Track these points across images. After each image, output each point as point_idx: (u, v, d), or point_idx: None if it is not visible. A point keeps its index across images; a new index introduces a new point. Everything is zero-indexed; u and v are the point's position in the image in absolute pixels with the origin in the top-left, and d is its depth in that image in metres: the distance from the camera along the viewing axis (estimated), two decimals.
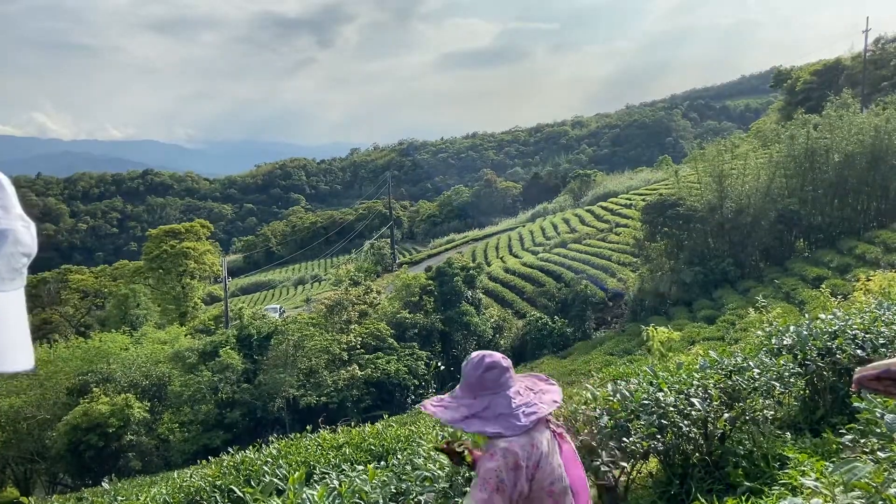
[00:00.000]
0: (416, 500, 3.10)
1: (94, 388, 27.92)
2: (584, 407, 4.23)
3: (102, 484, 9.65)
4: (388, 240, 72.10)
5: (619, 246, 40.64)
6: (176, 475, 10.65)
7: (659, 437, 4.05)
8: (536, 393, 2.62)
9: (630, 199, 51.34)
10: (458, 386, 2.64)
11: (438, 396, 2.72)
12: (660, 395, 4.30)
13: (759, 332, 8.23)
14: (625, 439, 3.93)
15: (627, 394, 4.37)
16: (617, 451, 3.91)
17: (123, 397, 27.08)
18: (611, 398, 4.32)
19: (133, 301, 49.88)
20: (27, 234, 0.91)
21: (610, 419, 4.04)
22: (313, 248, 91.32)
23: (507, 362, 2.63)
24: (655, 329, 15.75)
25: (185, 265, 52.82)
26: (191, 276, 53.63)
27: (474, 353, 2.67)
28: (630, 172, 73.32)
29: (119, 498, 7.81)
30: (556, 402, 2.60)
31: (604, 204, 55.34)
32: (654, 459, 4.52)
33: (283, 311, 48.60)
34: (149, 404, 28.16)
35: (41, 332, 48.05)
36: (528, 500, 2.37)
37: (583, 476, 2.55)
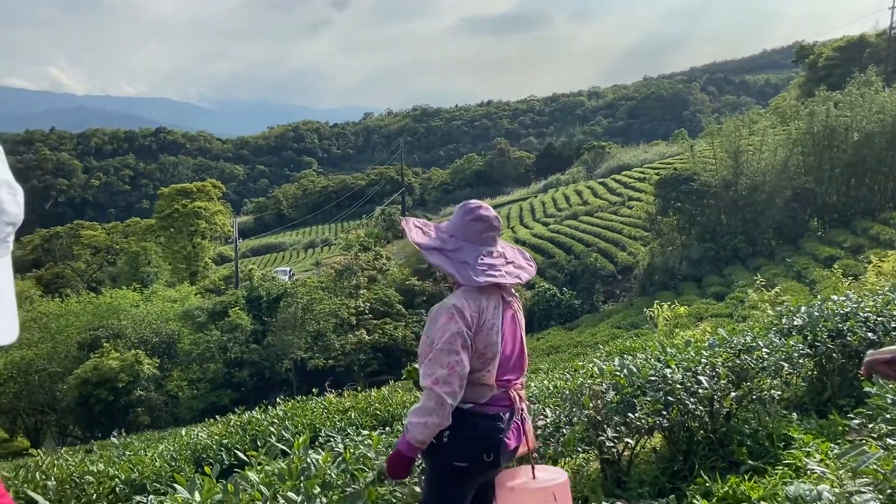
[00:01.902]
0: (420, 467, 3.10)
1: (105, 344, 28.29)
2: (590, 381, 4.22)
3: (111, 437, 9.80)
4: (400, 206, 72.04)
5: (630, 220, 40.38)
6: (184, 432, 10.81)
7: (664, 413, 4.04)
8: (509, 263, 2.70)
9: (644, 173, 50.84)
10: (447, 221, 2.76)
11: (424, 220, 2.84)
12: (667, 371, 4.28)
13: (770, 311, 8.18)
14: (630, 415, 3.92)
15: (634, 369, 4.35)
16: (622, 427, 3.91)
17: (133, 353, 27.43)
18: (617, 373, 4.31)
19: (144, 259, 50.27)
20: (13, 202, 0.88)
21: (616, 394, 4.03)
22: (324, 212, 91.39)
23: (497, 223, 2.73)
24: (660, 306, 15.69)
25: (196, 225, 53.07)
26: (202, 235, 53.92)
27: (474, 201, 2.78)
28: (645, 145, 72.52)
29: (127, 452, 7.93)
30: (520, 278, 2.70)
31: (617, 177, 54.86)
32: (658, 435, 4.52)
33: (293, 274, 48.84)
34: (158, 361, 28.52)
35: (53, 286, 48.61)
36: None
37: (514, 348, 2.65)
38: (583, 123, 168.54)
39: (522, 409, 2.66)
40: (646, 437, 4.29)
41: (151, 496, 4.29)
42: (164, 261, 52.34)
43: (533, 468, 2.59)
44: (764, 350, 4.79)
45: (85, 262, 56.23)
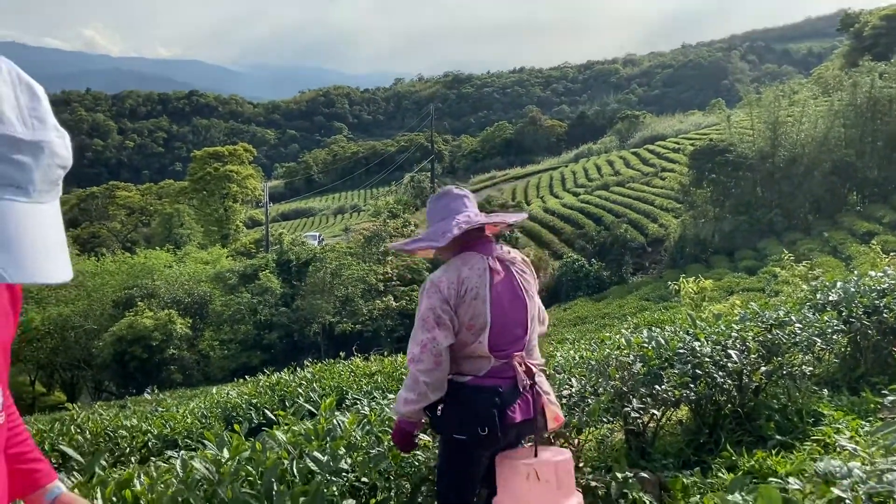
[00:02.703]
0: (429, 425, 3.12)
1: (139, 303, 28.92)
2: (616, 352, 4.19)
3: (145, 394, 10.08)
4: (429, 173, 71.85)
5: (663, 191, 39.77)
6: (214, 391, 11.06)
7: (692, 386, 4.01)
8: (488, 216, 2.69)
9: (678, 143, 49.94)
10: None
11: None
12: (696, 344, 4.24)
13: (804, 287, 8.03)
14: (657, 387, 3.89)
15: (663, 341, 4.31)
16: (648, 398, 3.89)
17: (166, 313, 28.02)
18: (645, 345, 4.27)
19: (177, 220, 51.09)
20: (62, 145, 0.90)
21: (643, 366, 4.00)
22: (354, 178, 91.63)
23: (460, 191, 2.76)
24: (686, 280, 15.50)
25: (228, 188, 53.62)
26: (233, 199, 54.49)
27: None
28: (681, 115, 71.04)
29: (160, 408, 8.15)
30: (500, 222, 2.71)
31: (651, 147, 53.93)
32: (684, 408, 4.49)
33: (322, 239, 49.23)
34: (190, 321, 29.10)
35: (89, 245, 49.70)
36: (457, 331, 2.49)
37: (513, 313, 2.56)
38: (617, 92, 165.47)
39: (535, 382, 2.54)
40: (672, 409, 4.26)
41: (182, 451, 4.40)
42: (196, 223, 53.14)
43: (536, 446, 2.50)
44: (797, 325, 4.71)
45: (120, 223, 57.35)
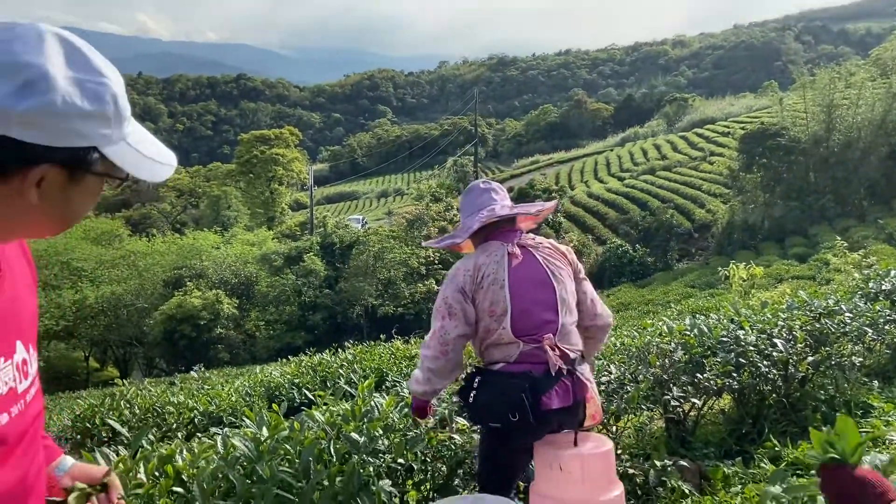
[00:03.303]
0: (465, 414, 3.13)
1: (188, 283, 29.63)
2: (658, 339, 4.13)
3: (192, 372, 10.37)
4: (472, 157, 71.61)
5: (711, 176, 38.87)
6: (258, 370, 11.30)
7: (735, 375, 3.93)
8: (511, 209, 2.69)
9: (728, 127, 48.64)
10: None
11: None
12: (740, 333, 4.15)
13: (856, 275, 7.77)
14: (698, 375, 3.83)
15: (706, 329, 4.23)
16: (689, 387, 3.83)
17: (214, 293, 28.65)
18: (687, 332, 4.20)
19: (225, 202, 52.11)
20: (119, 85, 1.05)
21: (685, 354, 3.93)
22: (397, 161, 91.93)
23: (486, 185, 2.76)
24: (736, 266, 15.15)
25: (274, 171, 54.39)
26: (279, 182, 55.27)
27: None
28: (731, 98, 69.09)
29: (206, 386, 8.37)
30: (522, 213, 2.70)
31: (699, 130, 52.73)
32: (727, 397, 4.41)
33: (366, 222, 49.63)
34: (237, 301, 29.71)
35: (141, 226, 51.10)
36: (478, 319, 2.51)
37: (539, 295, 2.53)
38: (665, 74, 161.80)
39: (574, 369, 2.49)
40: (714, 398, 4.19)
41: (226, 428, 4.52)
42: (243, 205, 54.12)
43: (575, 435, 2.44)
44: (847, 314, 4.57)
45: (170, 204, 58.72)
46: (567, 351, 2.50)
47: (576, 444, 2.41)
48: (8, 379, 1.10)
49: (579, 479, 2.30)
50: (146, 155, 1.09)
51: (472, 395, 2.49)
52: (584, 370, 2.56)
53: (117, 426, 3.30)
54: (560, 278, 2.59)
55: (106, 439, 5.17)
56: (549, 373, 2.42)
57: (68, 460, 1.45)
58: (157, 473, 2.26)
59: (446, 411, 3.21)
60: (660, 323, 4.78)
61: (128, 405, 5.62)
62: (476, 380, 2.51)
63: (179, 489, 2.22)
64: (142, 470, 2.22)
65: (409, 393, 2.71)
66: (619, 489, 2.37)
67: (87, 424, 5.45)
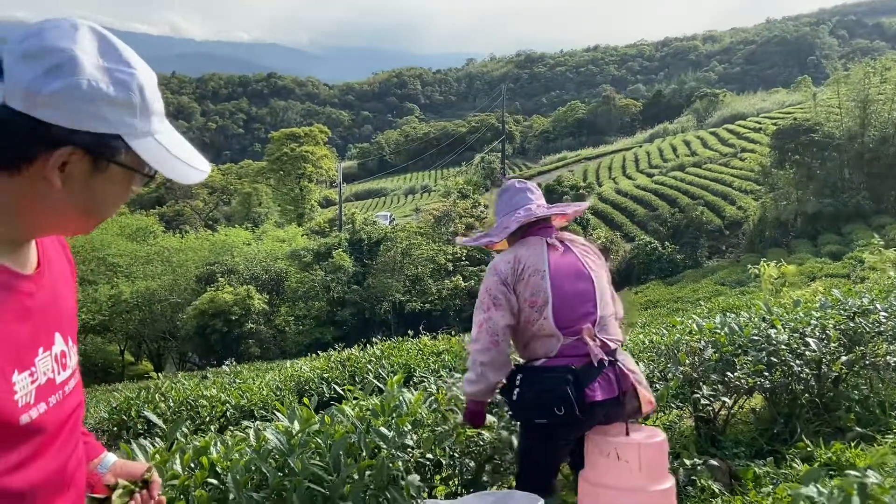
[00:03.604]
0: (509, 412, 3.15)
1: (220, 278, 30.05)
2: (687, 337, 4.10)
3: (224, 366, 10.53)
4: (499, 154, 71.44)
5: (742, 172, 38.31)
6: (289, 364, 11.44)
7: (766, 374, 3.88)
8: (548, 208, 2.74)
9: (760, 123, 47.86)
10: None
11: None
12: (772, 331, 4.10)
13: (891, 273, 7.61)
14: (729, 374, 3.79)
15: (736, 327, 4.18)
16: (719, 385, 3.79)
17: (245, 289, 29.02)
18: (718, 330, 4.16)
19: (256, 199, 52.73)
20: (152, 82, 1.08)
21: (715, 352, 3.90)
22: (425, 158, 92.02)
23: (521, 184, 2.80)
24: (766, 264, 14.92)
25: (303, 168, 54.86)
26: (308, 179, 55.73)
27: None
28: (763, 93, 67.94)
29: (238, 380, 8.50)
30: (559, 213, 2.73)
31: (730, 126, 51.95)
32: (758, 396, 4.36)
33: (393, 219, 49.83)
34: (267, 297, 30.05)
35: (174, 223, 51.92)
36: (519, 308, 2.51)
37: (579, 286, 2.56)
38: (696, 69, 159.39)
39: (615, 359, 2.50)
40: (745, 397, 4.15)
41: (257, 422, 4.59)
42: (273, 202, 54.70)
43: (627, 425, 2.46)
44: (882, 314, 4.49)
45: (202, 201, 59.53)
46: (607, 342, 2.51)
47: (627, 433, 2.42)
48: (47, 370, 1.12)
49: (635, 467, 2.30)
50: (175, 154, 1.09)
51: (515, 392, 2.50)
52: (627, 361, 2.57)
53: (153, 418, 3.38)
54: (596, 271, 2.63)
55: (142, 431, 5.30)
56: (591, 365, 2.43)
57: (111, 457, 1.48)
58: (192, 465, 2.31)
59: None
60: (689, 321, 4.74)
61: (162, 398, 5.74)
62: (518, 377, 2.52)
63: (213, 481, 2.27)
64: (177, 461, 2.28)
65: (464, 399, 2.70)
66: (671, 481, 2.37)
67: (124, 416, 5.58)
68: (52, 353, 1.16)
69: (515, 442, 2.99)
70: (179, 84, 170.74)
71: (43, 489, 1.13)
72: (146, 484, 1.44)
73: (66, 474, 1.19)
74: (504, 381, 2.59)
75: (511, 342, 2.63)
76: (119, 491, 1.39)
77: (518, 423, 2.78)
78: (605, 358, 2.46)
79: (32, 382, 1.09)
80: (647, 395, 2.58)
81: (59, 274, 1.24)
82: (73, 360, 1.24)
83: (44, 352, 1.13)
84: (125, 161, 1.05)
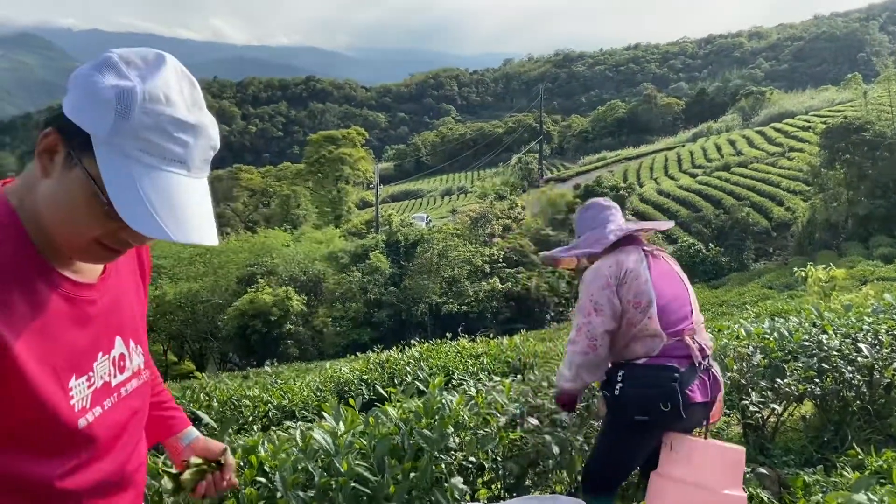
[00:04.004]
0: (550, 417, 3.13)
1: (260, 279, 30.48)
2: (735, 342, 4.02)
3: (265, 366, 10.68)
4: (537, 155, 71.02)
5: (790, 172, 37.44)
6: (328, 365, 11.55)
7: (817, 381, 3.79)
8: (637, 224, 2.88)
9: (809, 121, 46.73)
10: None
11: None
12: (823, 337, 4.00)
13: None
14: (778, 380, 3.70)
15: (786, 333, 4.09)
16: (768, 392, 3.71)
17: (284, 290, 29.38)
18: (766, 336, 4.07)
19: (294, 202, 53.40)
20: (214, 129, 1.05)
21: (764, 358, 3.81)
22: (461, 159, 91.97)
23: (607, 202, 2.93)
24: (814, 267, 14.49)
25: (341, 170, 55.40)
26: (346, 181, 56.26)
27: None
28: (812, 91, 66.31)
29: (278, 380, 8.61)
30: (650, 228, 2.87)
31: (777, 125, 50.82)
32: (808, 403, 4.25)
33: (430, 220, 49.95)
34: (305, 298, 30.36)
35: (216, 225, 52.82)
36: (623, 312, 2.57)
37: (677, 291, 2.66)
38: (741, 67, 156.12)
39: (709, 365, 2.58)
40: (795, 404, 4.05)
41: (300, 422, 4.64)
42: (311, 204, 55.33)
43: (706, 430, 2.54)
44: None
45: (243, 204, 60.59)
46: (703, 345, 2.59)
47: (705, 438, 2.51)
48: (104, 373, 1.16)
49: (717, 467, 2.37)
50: (144, 194, 0.97)
51: (617, 388, 2.55)
52: (716, 368, 2.64)
53: (205, 417, 3.44)
54: (684, 276, 2.76)
55: None
56: (692, 367, 2.51)
57: (193, 433, 1.53)
58: (241, 464, 2.35)
59: (519, 410, 3.21)
60: (736, 325, 4.64)
61: (207, 397, 5.85)
62: (620, 373, 2.57)
63: (262, 479, 2.31)
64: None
65: (556, 390, 2.82)
66: (744, 494, 2.41)
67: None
68: (111, 356, 1.19)
69: (557, 450, 2.98)
70: (221, 88, 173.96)
71: (101, 490, 1.16)
72: (220, 465, 1.48)
73: (124, 475, 1.22)
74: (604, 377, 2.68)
75: (609, 346, 2.69)
76: (191, 469, 1.43)
77: (607, 419, 2.79)
78: (703, 361, 2.54)
79: (89, 387, 1.12)
80: (721, 405, 2.67)
81: (126, 277, 1.27)
82: (133, 361, 1.27)
83: (103, 356, 1.16)
84: (87, 166, 0.98)
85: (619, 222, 2.83)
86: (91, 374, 1.12)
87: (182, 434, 1.52)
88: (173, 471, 1.45)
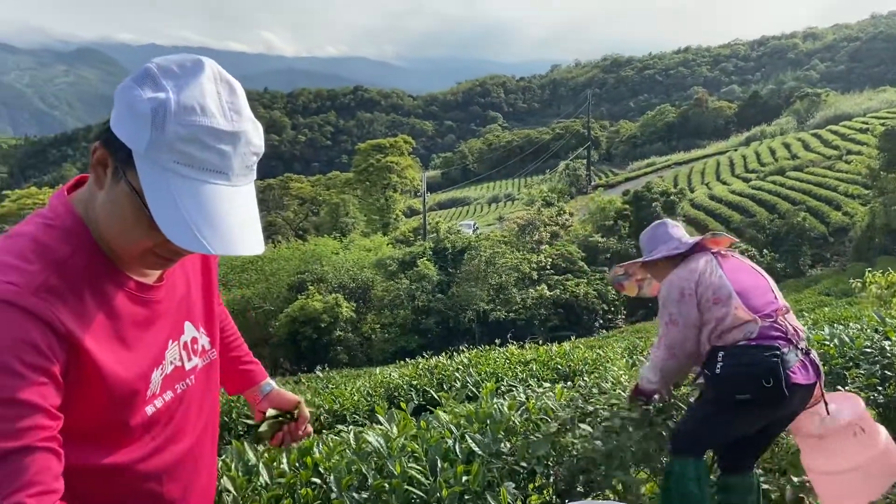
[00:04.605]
0: (602, 424, 3.10)
1: (310, 287, 30.93)
2: None
3: (316, 372, 10.85)
4: (584, 161, 70.38)
5: (848, 175, 36.24)
6: (377, 371, 11.65)
7: (880, 388, 3.66)
8: (703, 236, 2.98)
9: (867, 123, 45.15)
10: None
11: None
12: (886, 343, 3.86)
13: None
14: (840, 388, 3.59)
15: (847, 339, 3.96)
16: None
17: (334, 297, 29.76)
18: (826, 342, 3.95)
19: (343, 210, 54.10)
20: (256, 134, 1.05)
21: (824, 365, 3.70)
22: (508, 166, 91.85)
23: (672, 222, 3.10)
24: (872, 274, 13.96)
25: (388, 178, 55.87)
26: (393, 189, 56.69)
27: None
28: (870, 92, 64.12)
29: (330, 385, 8.73)
30: (711, 236, 2.95)
31: (834, 127, 49.28)
32: (871, 411, 4.10)
33: (477, 228, 49.96)
34: (354, 305, 30.67)
35: (267, 233, 53.72)
36: (703, 315, 2.63)
37: (755, 280, 2.73)
38: (795, 68, 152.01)
39: (807, 348, 2.60)
40: None
41: (352, 426, 4.70)
42: (360, 212, 55.96)
43: (825, 403, 2.57)
44: None
45: (293, 212, 61.61)
46: (797, 327, 2.63)
47: (828, 412, 2.57)
48: (174, 358, 1.21)
49: (851, 440, 2.50)
50: (182, 206, 0.97)
51: (718, 366, 2.57)
52: (815, 354, 2.65)
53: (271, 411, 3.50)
54: (763, 272, 2.84)
55: (242, 432, 5.53)
56: (790, 349, 2.53)
57: (270, 384, 1.63)
58: (297, 465, 2.41)
59: (570, 416, 3.19)
60: None
61: None
62: (720, 354, 2.60)
63: (317, 480, 2.36)
64: (284, 461, 2.38)
65: (636, 386, 2.97)
66: (882, 432, 2.57)
67: (225, 418, 5.84)
68: (181, 341, 1.24)
69: (608, 456, 2.95)
70: (272, 99, 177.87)
71: (176, 469, 1.22)
72: (293, 417, 1.56)
73: (199, 455, 1.28)
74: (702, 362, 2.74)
75: (692, 350, 2.74)
76: (268, 421, 1.52)
77: (707, 396, 2.79)
78: (803, 343, 2.58)
79: (161, 374, 1.18)
80: (821, 391, 2.68)
81: (189, 268, 1.32)
82: (204, 340, 1.32)
83: (172, 342, 1.21)
84: (130, 179, 1.00)
85: (684, 238, 2.96)
86: (163, 362, 1.18)
87: (260, 385, 1.61)
88: (252, 422, 1.55)
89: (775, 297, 2.70)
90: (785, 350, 2.50)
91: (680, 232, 3.00)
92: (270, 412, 1.54)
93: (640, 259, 3.04)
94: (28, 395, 0.93)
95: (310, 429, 1.59)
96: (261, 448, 1.89)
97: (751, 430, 2.65)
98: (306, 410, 1.59)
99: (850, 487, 2.54)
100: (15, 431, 0.91)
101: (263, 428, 1.51)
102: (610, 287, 29.90)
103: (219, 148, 0.99)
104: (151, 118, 0.96)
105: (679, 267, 2.79)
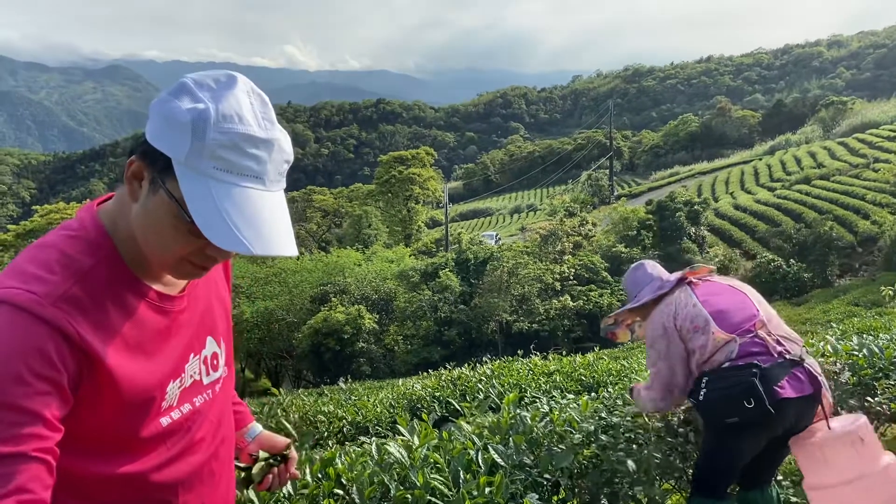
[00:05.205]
0: (626, 436, 3.08)
1: (333, 298, 31.07)
2: (821, 359, 3.84)
3: (339, 383, 10.88)
4: (607, 171, 70.07)
5: (876, 184, 35.60)
6: (400, 382, 11.65)
7: None
8: (671, 275, 3.03)
9: (895, 131, 44.36)
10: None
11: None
12: None
13: None
14: (869, 399, 3.52)
15: (876, 349, 3.89)
16: (858, 411, 3.53)
17: (356, 308, 29.85)
18: (855, 352, 3.88)
19: (366, 221, 54.36)
20: (286, 142, 1.10)
21: (853, 376, 3.63)
22: (530, 177, 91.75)
23: (651, 262, 3.15)
24: None
25: (410, 190, 56.09)
26: (415, 200, 56.90)
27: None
28: None
29: (353, 397, 8.75)
30: (697, 271, 2.98)
31: (861, 136, 48.50)
32: None
33: (499, 239, 49.88)
34: (377, 316, 30.74)
35: None
36: (687, 345, 2.66)
37: (733, 297, 2.75)
38: (820, 77, 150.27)
39: (802, 359, 2.54)
40: (886, 424, 3.84)
41: (374, 437, 4.71)
42: (382, 223, 56.20)
43: (827, 420, 2.50)
44: None
45: (316, 224, 62.04)
46: (786, 339, 2.58)
47: (829, 427, 2.49)
48: (194, 372, 1.23)
49: (849, 452, 2.38)
50: (223, 209, 1.01)
51: (701, 393, 2.57)
52: (814, 364, 2.59)
53: (289, 426, 3.54)
54: (745, 287, 2.86)
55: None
56: (779, 363, 2.48)
57: (257, 428, 1.61)
58: (319, 475, 2.41)
59: (594, 427, 3.17)
60: (821, 343, 4.45)
61: (284, 412, 6.00)
62: (704, 380, 2.60)
63: (339, 491, 2.36)
64: (307, 472, 2.39)
65: (638, 401, 3.00)
66: (889, 456, 2.41)
67: None
68: (202, 356, 1.26)
69: (632, 465, 2.93)
70: (295, 113, 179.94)
71: (195, 481, 1.23)
72: (284, 459, 1.56)
73: (216, 467, 1.29)
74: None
75: (685, 377, 2.76)
76: (260, 464, 1.51)
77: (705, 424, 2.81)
78: (790, 354, 2.52)
79: (179, 387, 1.19)
80: (829, 400, 2.63)
81: (214, 280, 1.34)
82: (223, 357, 1.34)
83: (194, 357, 1.23)
84: (169, 188, 1.04)
85: (662, 277, 3.01)
86: (183, 375, 1.19)
87: (247, 429, 1.59)
88: (242, 465, 1.52)
89: (756, 310, 2.68)
90: (766, 365, 2.45)
91: (659, 270, 3.06)
92: (262, 454, 1.53)
93: (628, 306, 3.08)
94: (31, 404, 0.94)
95: (297, 472, 1.59)
96: (247, 492, 1.86)
97: (757, 450, 2.60)
98: (295, 452, 1.59)
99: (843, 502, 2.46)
100: (13, 437, 0.92)
101: (256, 470, 1.50)
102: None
103: (255, 154, 1.04)
104: (192, 127, 1.00)
105: (661, 302, 2.85)
